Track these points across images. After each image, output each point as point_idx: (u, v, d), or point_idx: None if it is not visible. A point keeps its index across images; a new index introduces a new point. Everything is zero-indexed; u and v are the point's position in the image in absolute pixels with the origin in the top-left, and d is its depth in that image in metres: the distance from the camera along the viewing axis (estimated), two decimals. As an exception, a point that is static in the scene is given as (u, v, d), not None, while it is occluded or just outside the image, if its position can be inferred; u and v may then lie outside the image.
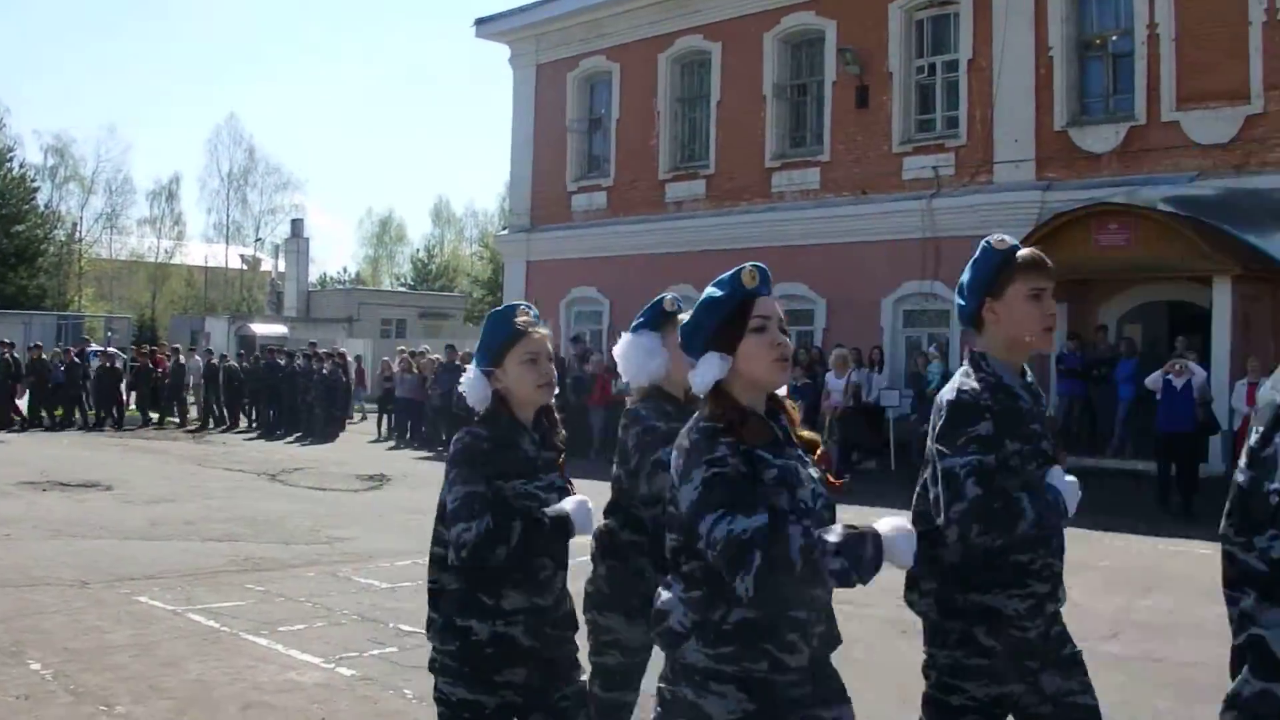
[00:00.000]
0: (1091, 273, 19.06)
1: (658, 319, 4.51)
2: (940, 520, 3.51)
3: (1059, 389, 19.33)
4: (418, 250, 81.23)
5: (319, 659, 7.55)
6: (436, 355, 27.04)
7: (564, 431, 4.04)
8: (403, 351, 28.86)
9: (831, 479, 3.17)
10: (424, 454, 23.38)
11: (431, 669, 3.76)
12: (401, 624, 8.47)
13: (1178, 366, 15.81)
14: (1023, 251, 3.73)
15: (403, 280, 78.29)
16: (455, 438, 3.82)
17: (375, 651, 7.77)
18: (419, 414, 26.48)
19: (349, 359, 30.65)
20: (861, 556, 2.82)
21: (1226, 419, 16.79)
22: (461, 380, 3.92)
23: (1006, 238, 3.78)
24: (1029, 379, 3.79)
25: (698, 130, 26.82)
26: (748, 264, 3.14)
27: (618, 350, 4.54)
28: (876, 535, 2.85)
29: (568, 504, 3.76)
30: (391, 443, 26.26)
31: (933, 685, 3.70)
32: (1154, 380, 15.86)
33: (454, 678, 3.70)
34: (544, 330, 3.89)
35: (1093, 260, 18.67)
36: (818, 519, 3.01)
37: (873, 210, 22.79)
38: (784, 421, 3.18)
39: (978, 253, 3.76)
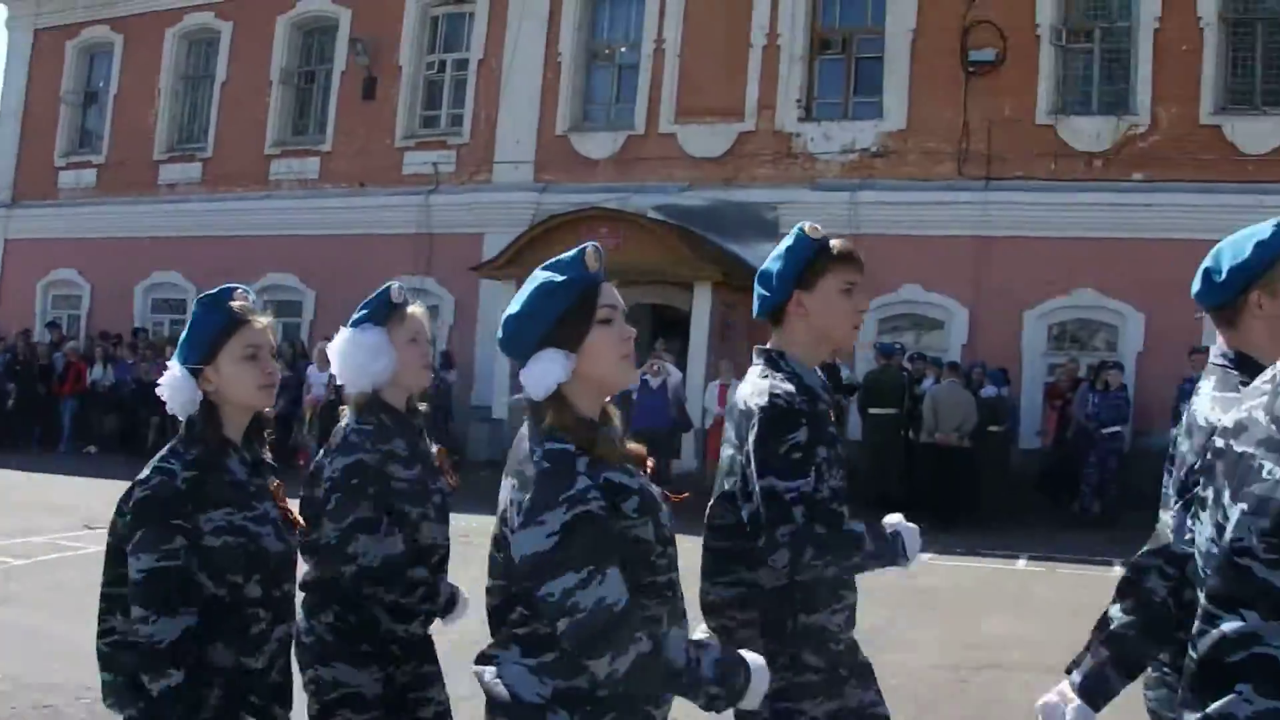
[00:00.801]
0: (582, 275, 19.04)
1: (384, 311, 3.81)
2: (762, 541, 3.14)
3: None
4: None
5: None
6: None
7: (267, 453, 3.19)
8: None
9: (671, 494, 2.72)
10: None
11: None
12: None
13: (655, 367, 16.33)
14: (836, 242, 3.39)
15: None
16: (139, 479, 2.92)
17: None
18: None
19: None
20: (735, 687, 2.49)
21: (699, 418, 17.40)
22: (161, 382, 3.07)
23: (819, 226, 3.40)
24: (823, 379, 3.47)
25: (199, 111, 25.26)
26: (588, 244, 2.57)
27: (334, 348, 3.81)
28: (746, 664, 2.52)
29: None
30: None
31: (768, 715, 3.21)
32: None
33: None
34: (266, 319, 3.10)
35: (583, 263, 18.66)
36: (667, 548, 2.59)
37: (370, 203, 22.19)
38: (614, 433, 2.62)
39: (790, 240, 3.38)
